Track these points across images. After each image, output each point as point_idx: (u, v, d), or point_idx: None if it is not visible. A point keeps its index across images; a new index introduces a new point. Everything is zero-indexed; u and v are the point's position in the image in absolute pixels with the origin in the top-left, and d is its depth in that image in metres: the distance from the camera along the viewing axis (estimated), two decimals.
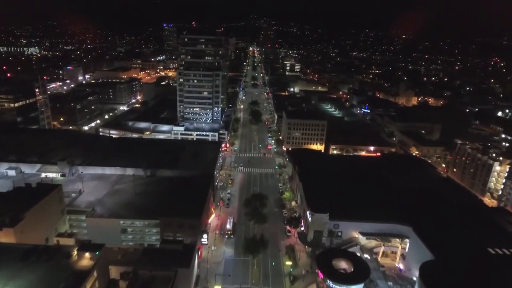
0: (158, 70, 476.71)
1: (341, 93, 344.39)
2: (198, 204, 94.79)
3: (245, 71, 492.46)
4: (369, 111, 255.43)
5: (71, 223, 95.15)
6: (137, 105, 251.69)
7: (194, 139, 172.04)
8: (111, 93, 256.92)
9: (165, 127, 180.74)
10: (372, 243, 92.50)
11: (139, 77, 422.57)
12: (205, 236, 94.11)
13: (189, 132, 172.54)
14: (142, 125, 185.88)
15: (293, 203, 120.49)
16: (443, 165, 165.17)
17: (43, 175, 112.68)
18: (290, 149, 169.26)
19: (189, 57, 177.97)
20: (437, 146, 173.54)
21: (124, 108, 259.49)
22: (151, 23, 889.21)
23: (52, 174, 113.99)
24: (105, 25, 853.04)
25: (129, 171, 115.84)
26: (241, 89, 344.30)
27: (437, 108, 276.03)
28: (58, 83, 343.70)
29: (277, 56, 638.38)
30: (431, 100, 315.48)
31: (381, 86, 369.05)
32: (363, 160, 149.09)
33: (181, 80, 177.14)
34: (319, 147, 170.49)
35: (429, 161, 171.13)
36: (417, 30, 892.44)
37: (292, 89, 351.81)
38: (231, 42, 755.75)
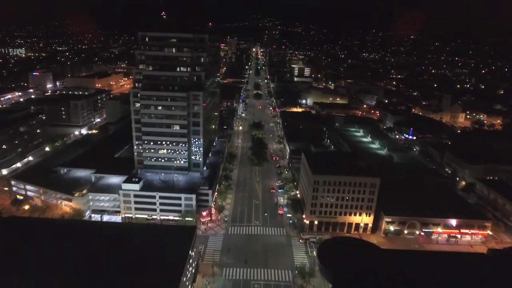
0: None
1: (365, 106, 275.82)
2: None
3: (246, 75, 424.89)
4: (414, 137, 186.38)
5: None
6: (93, 131, 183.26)
7: (157, 203, 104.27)
8: (63, 112, 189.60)
9: (114, 179, 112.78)
10: None
11: (120, 84, 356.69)
12: None
13: (150, 194, 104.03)
14: (80, 173, 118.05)
15: None
16: None
17: None
18: (317, 232, 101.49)
19: (151, 68, 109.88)
20: None
21: (82, 131, 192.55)
22: (153, 23, 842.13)
23: None
24: (107, 25, 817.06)
25: None
26: (241, 100, 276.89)
27: (502, 133, 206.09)
28: (16, 93, 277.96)
29: (283, 58, 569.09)
30: (484, 118, 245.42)
31: (413, 98, 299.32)
32: (455, 262, 79.44)
33: (137, 105, 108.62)
34: (364, 219, 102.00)
35: None
36: (424, 29, 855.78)
37: (304, 101, 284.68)
38: (232, 42, 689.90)
